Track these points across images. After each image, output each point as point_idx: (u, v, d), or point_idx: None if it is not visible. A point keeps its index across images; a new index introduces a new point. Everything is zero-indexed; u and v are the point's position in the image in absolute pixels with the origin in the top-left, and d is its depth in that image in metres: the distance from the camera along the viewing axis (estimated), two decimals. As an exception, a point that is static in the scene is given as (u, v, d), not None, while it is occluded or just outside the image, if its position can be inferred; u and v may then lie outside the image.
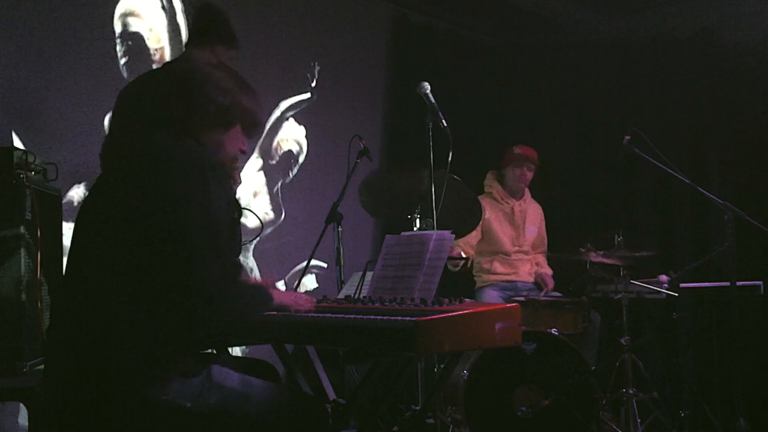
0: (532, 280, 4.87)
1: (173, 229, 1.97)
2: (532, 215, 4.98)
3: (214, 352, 2.59)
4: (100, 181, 2.18)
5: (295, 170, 5.34)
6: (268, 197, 5.18)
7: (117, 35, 4.40)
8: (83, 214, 2.15)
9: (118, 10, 4.43)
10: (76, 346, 1.99)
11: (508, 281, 4.80)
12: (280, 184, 5.25)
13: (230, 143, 2.23)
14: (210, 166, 2.07)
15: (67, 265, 2.14)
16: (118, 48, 4.39)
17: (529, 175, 4.92)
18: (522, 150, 4.89)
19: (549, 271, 4.90)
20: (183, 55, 3.41)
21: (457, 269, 4.35)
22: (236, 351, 4.51)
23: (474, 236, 4.74)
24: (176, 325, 1.99)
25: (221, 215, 2.05)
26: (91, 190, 2.20)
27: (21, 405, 3.67)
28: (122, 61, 4.42)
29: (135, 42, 4.47)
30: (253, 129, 2.30)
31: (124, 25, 4.45)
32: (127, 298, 1.97)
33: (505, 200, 4.90)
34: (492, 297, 4.70)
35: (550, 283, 4.82)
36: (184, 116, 2.14)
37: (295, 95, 5.29)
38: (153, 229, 1.97)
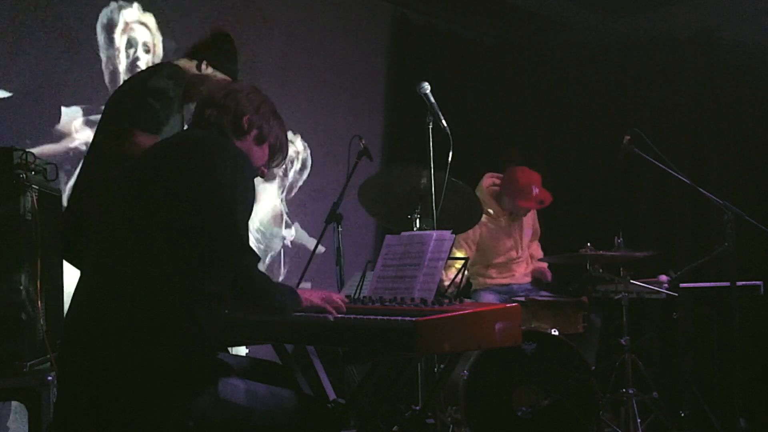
0: (528, 279, 4.86)
1: (222, 218, 2.04)
2: (527, 220, 4.91)
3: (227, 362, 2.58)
4: (129, 174, 2.19)
5: (291, 177, 5.32)
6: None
7: (123, 43, 4.41)
8: (110, 207, 2.17)
9: (124, 18, 4.43)
10: (94, 349, 1.98)
11: (504, 284, 4.78)
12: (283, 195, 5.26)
13: (258, 158, 2.31)
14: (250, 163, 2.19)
15: (88, 262, 2.15)
16: (121, 55, 4.40)
17: None
18: (539, 193, 4.64)
19: (544, 264, 4.88)
20: (172, 62, 3.42)
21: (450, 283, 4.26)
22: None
23: (469, 255, 4.67)
24: (203, 322, 2.01)
25: (251, 211, 2.16)
26: (117, 183, 2.21)
27: (11, 408, 3.67)
28: (125, 66, 4.43)
29: (139, 50, 4.49)
30: (279, 154, 2.39)
31: (130, 33, 4.45)
32: (158, 294, 1.98)
33: (501, 216, 4.80)
34: (488, 300, 4.68)
35: (549, 274, 4.81)
36: (223, 120, 2.24)
37: (295, 96, 5.28)
38: (207, 217, 2.03)
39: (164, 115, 3.12)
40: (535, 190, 4.63)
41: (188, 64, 3.34)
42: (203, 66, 3.34)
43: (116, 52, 4.41)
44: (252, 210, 2.15)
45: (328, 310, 2.34)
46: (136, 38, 4.50)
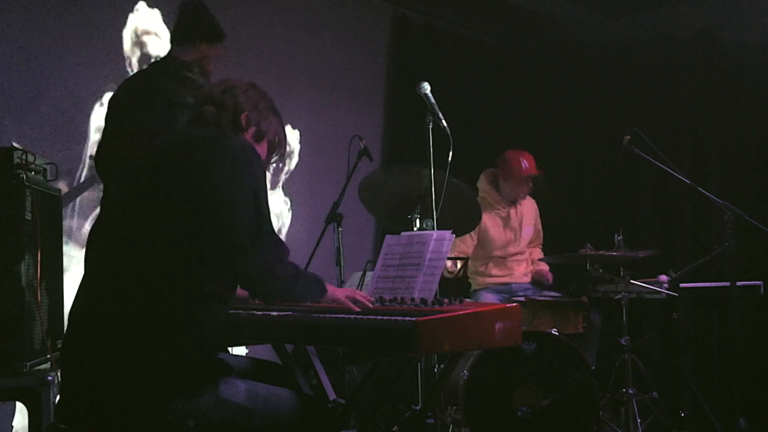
0: (528, 279, 4.86)
1: (221, 219, 2.02)
2: (528, 215, 4.92)
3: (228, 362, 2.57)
4: (129, 174, 2.19)
5: (284, 174, 5.32)
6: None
7: (134, 56, 4.42)
8: (111, 207, 2.17)
9: (132, 27, 4.44)
10: (95, 348, 1.98)
11: (503, 284, 4.78)
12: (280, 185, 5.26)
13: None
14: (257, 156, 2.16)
15: (92, 260, 2.15)
16: (135, 67, 4.41)
17: (531, 187, 4.88)
18: (530, 166, 4.73)
19: (545, 266, 4.89)
20: (168, 55, 3.40)
21: (451, 275, 4.31)
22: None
23: (470, 244, 4.70)
24: (203, 322, 2.01)
25: (267, 204, 2.14)
26: (116, 182, 2.21)
27: (17, 408, 3.67)
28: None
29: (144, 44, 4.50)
30: (278, 150, 2.37)
31: (141, 45, 4.46)
32: (158, 294, 1.98)
33: (500, 205, 4.83)
34: (488, 300, 4.68)
35: (550, 277, 4.81)
36: (221, 117, 2.22)
37: (295, 95, 5.28)
38: (206, 218, 2.02)
39: (179, 118, 3.08)
40: (525, 163, 4.74)
41: (183, 53, 3.32)
42: (199, 46, 3.33)
43: (127, 61, 4.42)
44: (266, 204, 2.13)
45: (347, 305, 2.33)
46: (150, 53, 4.50)
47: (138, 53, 4.45)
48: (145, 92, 3.17)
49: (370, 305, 2.39)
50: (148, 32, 4.50)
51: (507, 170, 4.78)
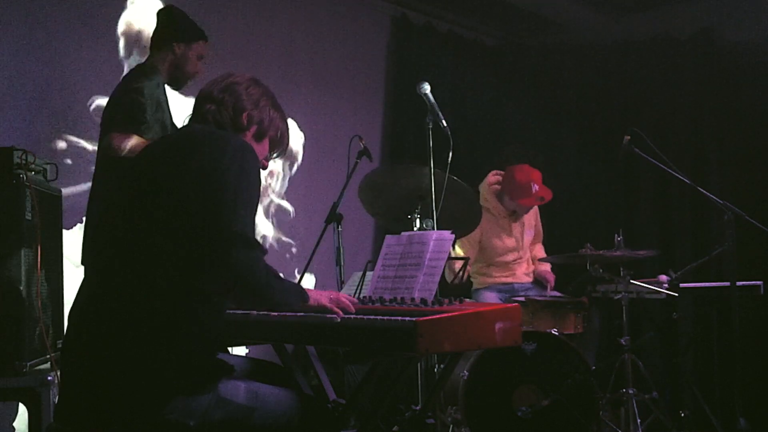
0: (529, 279, 4.86)
1: (223, 217, 1.99)
2: (529, 220, 4.92)
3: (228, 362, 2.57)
4: (129, 173, 2.18)
5: (289, 177, 5.31)
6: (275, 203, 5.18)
7: (122, 33, 4.43)
8: (111, 207, 2.17)
9: (128, 12, 4.45)
10: (94, 349, 1.98)
11: (505, 283, 4.78)
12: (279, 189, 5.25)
13: (258, 152, 2.26)
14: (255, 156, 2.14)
15: (92, 260, 2.15)
16: (121, 45, 4.42)
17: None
18: (539, 188, 4.64)
19: (547, 266, 4.88)
20: (147, 59, 3.50)
21: (452, 275, 4.29)
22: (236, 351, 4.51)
23: (470, 253, 4.67)
24: (204, 321, 2.01)
25: (257, 205, 2.12)
26: (117, 182, 2.21)
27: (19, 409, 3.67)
28: (127, 59, 4.45)
29: (140, 40, 4.50)
30: (279, 146, 2.36)
31: (128, 24, 4.47)
32: (158, 293, 1.97)
33: (503, 216, 4.81)
34: (490, 299, 4.68)
35: (552, 278, 4.81)
36: (222, 116, 2.22)
37: (294, 95, 5.28)
38: (206, 217, 1.99)
39: (141, 112, 3.16)
40: (535, 187, 4.64)
41: (160, 58, 3.44)
42: (176, 48, 3.43)
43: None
44: (257, 204, 2.13)
45: (333, 310, 2.26)
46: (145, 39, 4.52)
47: (133, 36, 4.48)
48: (122, 96, 3.28)
49: (353, 309, 2.31)
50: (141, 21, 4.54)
51: (514, 191, 4.69)
